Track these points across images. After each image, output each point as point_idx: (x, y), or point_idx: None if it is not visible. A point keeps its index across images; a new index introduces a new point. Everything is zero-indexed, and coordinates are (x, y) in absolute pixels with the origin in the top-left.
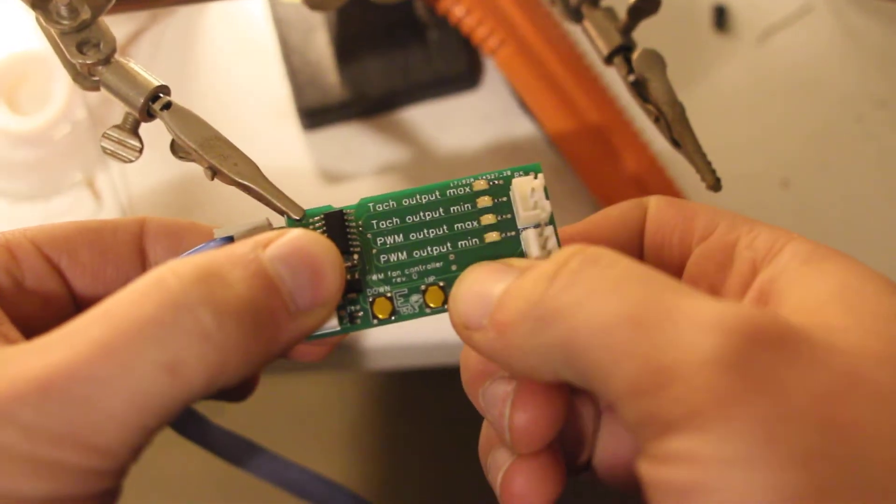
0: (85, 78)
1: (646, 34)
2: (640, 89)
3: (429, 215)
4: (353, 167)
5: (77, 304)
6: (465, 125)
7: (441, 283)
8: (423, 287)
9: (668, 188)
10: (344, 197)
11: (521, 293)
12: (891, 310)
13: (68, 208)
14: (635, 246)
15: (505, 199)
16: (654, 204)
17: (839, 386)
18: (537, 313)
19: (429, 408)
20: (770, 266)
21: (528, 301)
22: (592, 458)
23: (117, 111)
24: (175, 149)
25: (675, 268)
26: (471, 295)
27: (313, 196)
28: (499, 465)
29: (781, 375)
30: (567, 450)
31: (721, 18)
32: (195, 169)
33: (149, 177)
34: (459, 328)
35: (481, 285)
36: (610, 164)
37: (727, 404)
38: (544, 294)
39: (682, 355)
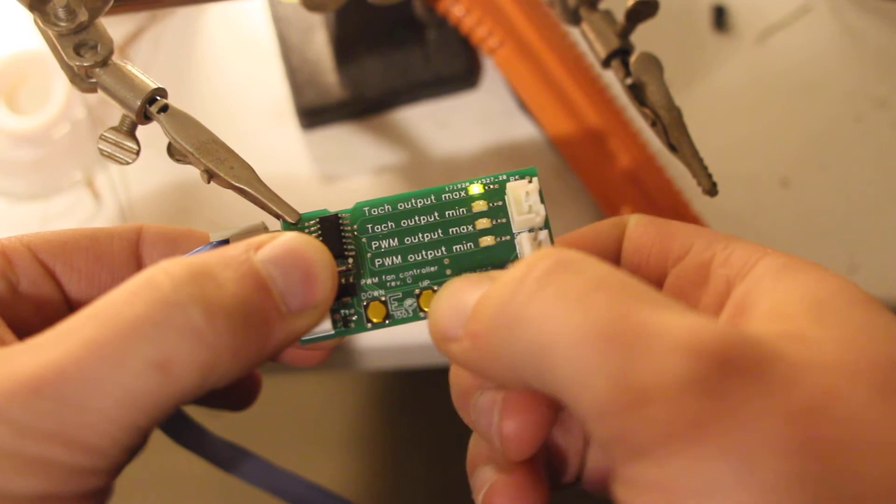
0: (82, 80)
1: (645, 34)
2: (637, 93)
3: (424, 219)
4: (351, 166)
5: (71, 308)
6: (464, 125)
7: (435, 288)
8: (417, 291)
9: (667, 188)
10: (342, 196)
11: (491, 300)
12: (862, 320)
13: (68, 208)
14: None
15: (500, 203)
16: (633, 224)
17: (813, 404)
18: (505, 320)
19: (429, 408)
20: (744, 281)
21: (496, 307)
22: (583, 473)
23: (117, 111)
24: (172, 152)
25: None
26: (447, 306)
27: (311, 195)
28: (480, 484)
29: (755, 399)
30: (556, 465)
31: (720, 18)
32: (195, 169)
33: (148, 176)
34: (438, 340)
35: (458, 296)
36: (608, 163)
37: (700, 430)
38: (511, 299)
39: (653, 377)
